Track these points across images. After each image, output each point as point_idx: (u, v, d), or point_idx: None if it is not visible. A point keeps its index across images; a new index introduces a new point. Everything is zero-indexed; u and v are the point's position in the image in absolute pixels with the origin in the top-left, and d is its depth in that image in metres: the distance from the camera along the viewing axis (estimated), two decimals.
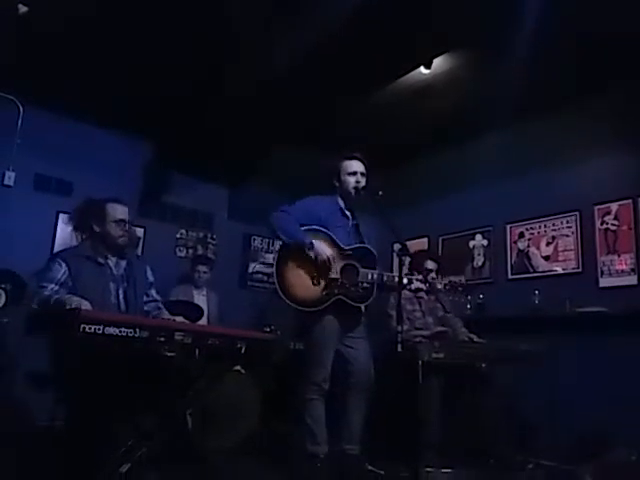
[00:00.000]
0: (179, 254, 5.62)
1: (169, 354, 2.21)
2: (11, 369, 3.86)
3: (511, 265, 5.09)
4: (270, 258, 5.94)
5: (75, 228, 2.86)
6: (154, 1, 3.64)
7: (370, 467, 3.08)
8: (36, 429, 3.68)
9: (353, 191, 3.13)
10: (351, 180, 3.15)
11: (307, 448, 2.89)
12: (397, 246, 2.96)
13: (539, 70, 3.89)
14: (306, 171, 4.26)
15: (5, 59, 3.94)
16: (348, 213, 3.23)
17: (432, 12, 3.36)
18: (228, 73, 4.42)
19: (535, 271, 4.89)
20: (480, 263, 5.37)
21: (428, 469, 3.01)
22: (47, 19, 3.72)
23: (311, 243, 2.96)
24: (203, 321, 4.31)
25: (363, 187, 3.12)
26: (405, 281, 2.96)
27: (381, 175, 3.31)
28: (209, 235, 5.87)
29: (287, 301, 2.93)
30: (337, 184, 3.22)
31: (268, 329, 4.30)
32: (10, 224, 4.43)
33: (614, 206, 4.43)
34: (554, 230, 4.81)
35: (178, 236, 5.66)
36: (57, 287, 2.55)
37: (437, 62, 4.16)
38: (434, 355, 3.12)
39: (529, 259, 4.95)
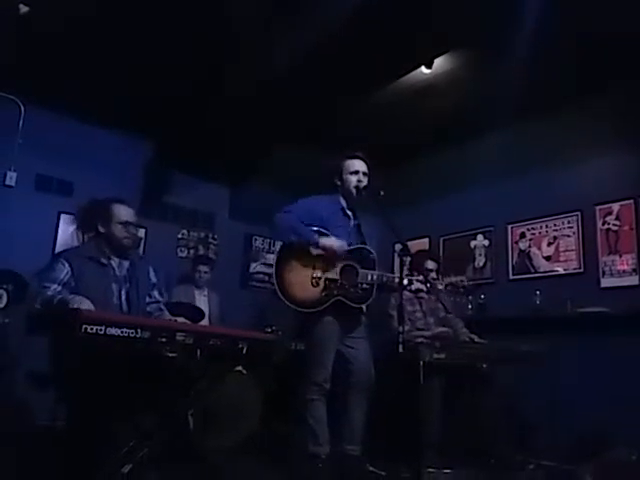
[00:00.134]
0: (180, 254, 5.62)
1: (170, 354, 2.21)
2: (12, 369, 3.87)
3: (512, 265, 5.09)
4: (271, 258, 5.93)
5: (78, 227, 2.85)
6: (154, 1, 3.64)
7: (371, 468, 3.08)
8: (37, 429, 3.69)
9: (354, 190, 3.12)
10: (353, 179, 3.14)
11: (308, 449, 2.88)
12: (398, 246, 2.96)
13: (539, 70, 3.88)
14: (307, 170, 4.25)
15: (6, 59, 3.95)
16: (350, 213, 3.23)
17: (432, 12, 3.36)
18: (228, 73, 4.42)
19: (536, 271, 4.89)
20: (481, 263, 5.37)
21: (429, 470, 3.01)
22: (48, 19, 3.73)
23: (317, 240, 2.96)
24: (204, 321, 4.30)
25: (365, 187, 3.11)
26: (405, 282, 2.95)
27: (382, 175, 3.30)
28: (210, 235, 5.87)
29: (286, 302, 2.93)
30: (339, 183, 3.22)
31: (269, 329, 4.30)
32: (11, 224, 4.43)
33: (615, 206, 4.42)
34: (555, 230, 4.81)
35: (179, 236, 5.66)
36: (60, 287, 2.54)
37: (438, 62, 4.16)
38: (435, 356, 3.11)
39: (530, 259, 4.95)
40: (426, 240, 5.82)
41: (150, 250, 5.20)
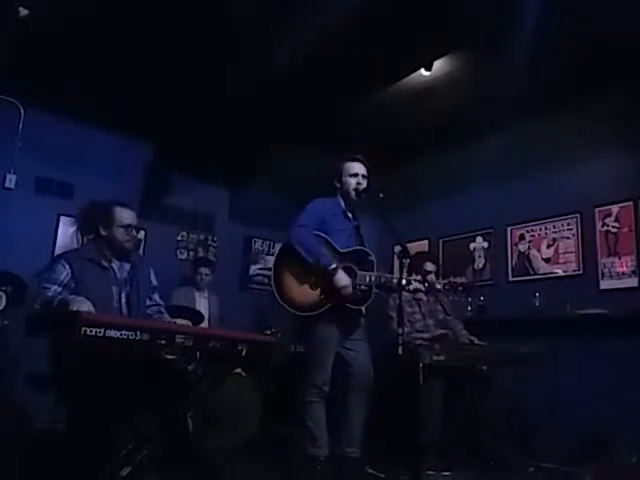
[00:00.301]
0: (180, 256, 5.62)
1: (170, 357, 2.21)
2: (12, 371, 3.86)
3: (512, 267, 5.08)
4: (271, 261, 5.92)
5: (79, 229, 2.83)
6: (154, 1, 3.64)
7: (370, 470, 3.08)
8: (36, 431, 3.68)
9: (354, 193, 3.13)
10: (352, 182, 3.15)
11: (307, 451, 2.88)
12: (397, 248, 2.96)
13: (539, 70, 3.88)
14: (306, 172, 4.25)
15: (5, 61, 3.95)
16: (350, 215, 3.23)
17: (432, 13, 3.36)
18: (228, 73, 4.42)
19: (536, 273, 4.88)
20: (481, 265, 5.37)
21: (429, 472, 3.01)
22: (47, 20, 3.73)
23: (334, 269, 2.91)
24: (204, 324, 4.30)
25: (364, 189, 3.12)
26: (404, 282, 2.95)
27: (381, 177, 3.30)
28: (210, 237, 5.87)
29: (284, 305, 2.93)
30: (338, 185, 3.22)
31: (269, 332, 4.30)
32: (11, 226, 4.43)
33: (615, 208, 4.42)
34: (555, 232, 4.80)
35: (179, 238, 5.65)
36: (60, 288, 2.53)
37: (437, 64, 4.16)
38: (435, 357, 3.12)
39: (530, 261, 4.95)
40: (425, 242, 5.81)
41: (149, 252, 5.18)
